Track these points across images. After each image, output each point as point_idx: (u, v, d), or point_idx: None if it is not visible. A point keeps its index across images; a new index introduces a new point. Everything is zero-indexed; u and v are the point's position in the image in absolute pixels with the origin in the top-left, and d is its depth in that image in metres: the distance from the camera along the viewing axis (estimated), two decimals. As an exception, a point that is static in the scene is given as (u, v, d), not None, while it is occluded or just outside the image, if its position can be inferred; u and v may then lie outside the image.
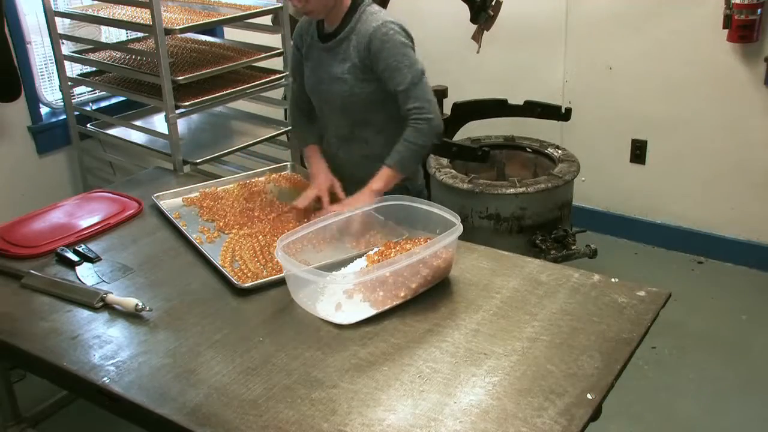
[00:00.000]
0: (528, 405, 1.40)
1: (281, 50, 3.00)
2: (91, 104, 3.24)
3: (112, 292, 1.80)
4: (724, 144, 3.46)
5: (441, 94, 3.42)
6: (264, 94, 3.04)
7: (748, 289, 3.41)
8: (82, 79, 3.07)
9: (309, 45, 2.23)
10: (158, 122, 3.01)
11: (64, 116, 3.11)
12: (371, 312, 1.69)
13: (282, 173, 2.53)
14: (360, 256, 1.88)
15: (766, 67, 3.22)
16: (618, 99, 3.67)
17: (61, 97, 3.12)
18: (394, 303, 1.71)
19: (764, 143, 3.35)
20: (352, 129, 2.23)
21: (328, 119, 2.28)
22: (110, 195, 2.37)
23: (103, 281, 1.90)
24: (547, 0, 3.69)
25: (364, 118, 2.19)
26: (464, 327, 1.65)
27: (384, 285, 1.69)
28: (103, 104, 3.28)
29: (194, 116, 3.13)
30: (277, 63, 3.14)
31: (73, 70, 3.12)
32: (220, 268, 1.90)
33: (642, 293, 1.75)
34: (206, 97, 2.72)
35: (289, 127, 3.09)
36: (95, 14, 2.91)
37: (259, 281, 1.83)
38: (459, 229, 1.76)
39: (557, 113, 3.44)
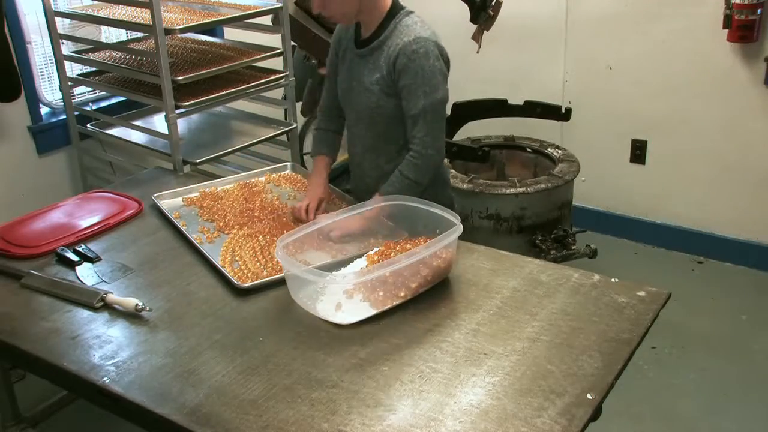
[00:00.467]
0: (528, 405, 1.40)
1: (281, 50, 3.00)
2: (90, 104, 3.24)
3: (112, 292, 1.80)
4: (724, 144, 3.46)
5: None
6: (264, 94, 3.04)
7: (748, 289, 3.41)
8: (82, 79, 3.07)
9: (345, 48, 2.16)
10: (158, 122, 3.00)
11: (64, 116, 3.11)
12: (371, 312, 1.69)
13: (282, 173, 2.53)
14: (360, 256, 1.88)
15: (766, 67, 3.22)
16: (618, 99, 3.67)
17: (61, 97, 3.12)
18: (394, 303, 1.71)
19: (764, 143, 3.35)
20: (376, 141, 2.15)
21: (354, 127, 2.20)
22: (110, 195, 2.37)
23: (103, 281, 1.90)
24: (547, 0, 3.69)
25: (388, 132, 2.11)
26: (464, 327, 1.65)
27: (384, 285, 1.69)
28: (103, 104, 3.28)
29: (194, 116, 3.13)
30: (277, 63, 3.14)
31: (73, 70, 3.12)
32: (220, 268, 1.90)
33: (642, 293, 1.75)
34: (206, 97, 2.72)
35: (290, 127, 3.09)
36: (95, 14, 2.91)
37: (259, 281, 1.83)
38: (459, 229, 1.75)
39: (557, 113, 3.44)
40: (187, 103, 2.66)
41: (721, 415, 2.64)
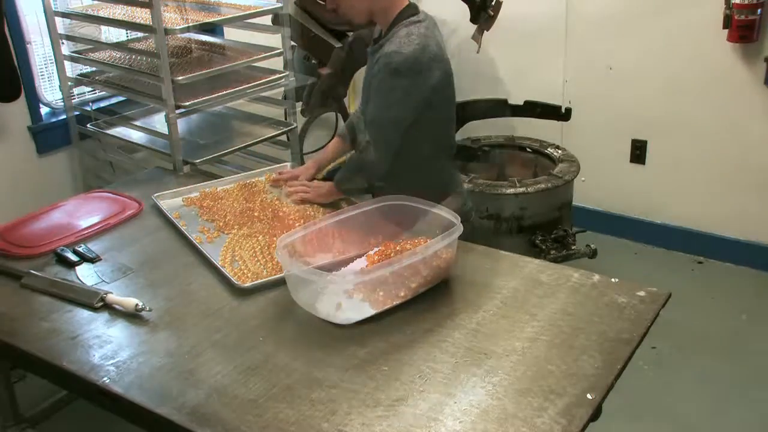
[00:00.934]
0: (528, 405, 1.40)
1: (281, 50, 3.00)
2: (90, 104, 3.23)
3: (112, 292, 1.80)
4: (724, 144, 3.46)
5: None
6: (264, 93, 3.04)
7: (748, 289, 3.41)
8: (83, 78, 3.07)
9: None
10: (158, 122, 3.00)
11: (64, 116, 3.11)
12: (371, 312, 1.69)
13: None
14: (360, 256, 1.88)
15: (766, 67, 3.22)
16: (618, 99, 3.67)
17: (61, 97, 3.12)
18: (394, 303, 1.71)
19: (764, 143, 3.35)
20: (397, 162, 2.14)
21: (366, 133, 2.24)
22: (110, 195, 2.37)
23: (103, 281, 1.90)
24: (547, 0, 3.69)
25: None
26: (464, 327, 1.65)
27: (384, 285, 1.69)
28: (102, 104, 3.28)
29: (194, 116, 3.13)
30: (277, 63, 3.14)
31: (73, 70, 3.11)
32: (220, 268, 1.90)
33: (642, 293, 1.75)
34: (206, 97, 2.72)
35: (290, 127, 3.09)
36: (96, 14, 2.91)
37: (259, 281, 1.83)
38: (459, 229, 1.75)
39: (557, 113, 3.44)
40: (187, 103, 2.66)
41: (721, 415, 2.64)
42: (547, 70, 3.81)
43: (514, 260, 1.94)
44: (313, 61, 3.42)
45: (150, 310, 1.73)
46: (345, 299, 1.70)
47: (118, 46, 3.10)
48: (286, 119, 3.22)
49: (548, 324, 1.65)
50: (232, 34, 3.44)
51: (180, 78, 2.60)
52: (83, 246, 2.05)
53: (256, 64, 3.02)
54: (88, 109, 3.17)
